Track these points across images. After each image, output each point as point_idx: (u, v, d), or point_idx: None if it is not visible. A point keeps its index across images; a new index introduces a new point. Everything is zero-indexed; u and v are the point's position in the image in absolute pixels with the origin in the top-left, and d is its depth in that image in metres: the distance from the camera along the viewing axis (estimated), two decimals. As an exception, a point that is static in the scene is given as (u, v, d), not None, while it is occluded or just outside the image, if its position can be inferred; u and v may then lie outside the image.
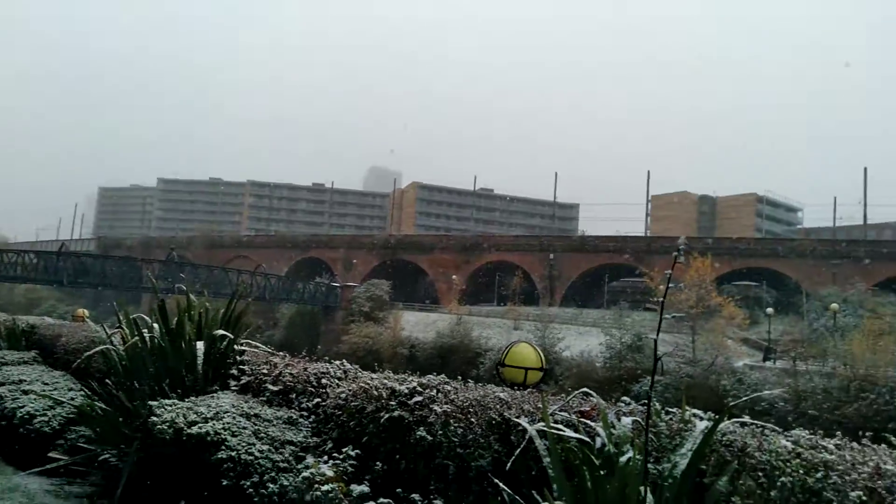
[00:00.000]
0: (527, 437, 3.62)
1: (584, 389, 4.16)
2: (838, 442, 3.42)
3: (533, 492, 3.38)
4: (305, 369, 5.54)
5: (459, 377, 5.09)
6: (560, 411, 3.94)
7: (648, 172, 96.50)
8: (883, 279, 47.85)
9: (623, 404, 4.22)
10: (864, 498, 2.86)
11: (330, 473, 4.00)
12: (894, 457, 3.16)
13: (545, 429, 3.44)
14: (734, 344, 37.10)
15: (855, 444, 3.39)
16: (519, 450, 3.65)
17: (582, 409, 4.00)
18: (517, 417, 3.90)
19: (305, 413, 5.09)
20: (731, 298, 38.30)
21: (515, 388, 5.28)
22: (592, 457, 3.22)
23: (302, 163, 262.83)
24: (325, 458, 4.36)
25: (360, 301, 54.77)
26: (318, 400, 5.09)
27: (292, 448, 4.57)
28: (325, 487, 3.83)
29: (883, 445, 3.35)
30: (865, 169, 72.76)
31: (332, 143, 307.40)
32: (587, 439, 3.47)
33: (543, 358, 6.89)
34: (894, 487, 2.86)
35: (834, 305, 39.59)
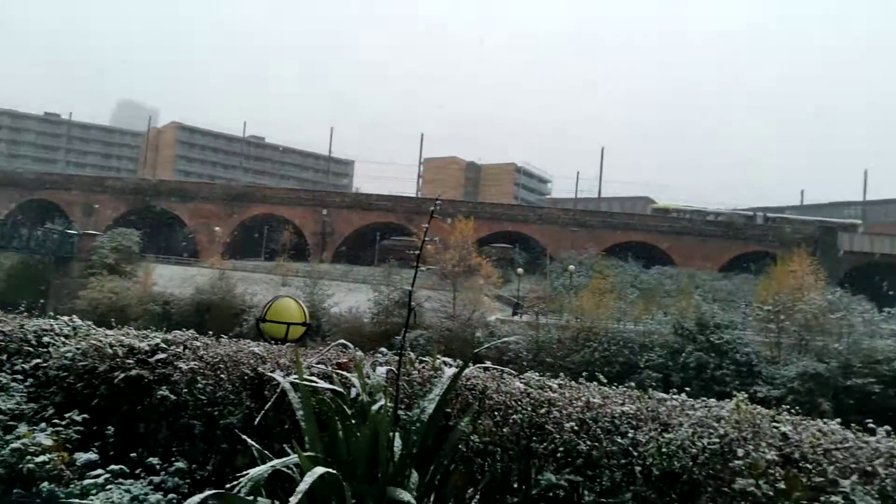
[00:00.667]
0: (279, 390, 3.53)
1: (342, 341, 4.18)
2: (561, 382, 3.91)
3: (285, 445, 3.31)
4: (22, 326, 4.78)
5: (211, 333, 4.79)
6: (318, 364, 3.90)
7: (422, 136, 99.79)
8: (610, 245, 56.17)
9: (380, 355, 4.33)
10: (576, 428, 3.31)
11: (48, 442, 3.50)
12: (601, 392, 3.71)
13: (299, 381, 3.38)
14: (489, 300, 40.80)
15: (574, 383, 3.92)
16: (270, 403, 3.55)
17: (340, 360, 4.01)
18: (272, 372, 3.77)
19: (21, 376, 4.42)
20: (489, 259, 41.97)
21: (275, 342, 5.14)
22: (345, 407, 3.24)
23: (32, 88, 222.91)
24: (44, 425, 3.81)
25: (102, 252, 48.58)
26: (38, 361, 4.45)
27: (1, 417, 3.92)
28: (39, 458, 3.33)
29: (594, 383, 3.92)
30: (602, 149, 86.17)
31: (73, 67, 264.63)
32: (341, 390, 3.48)
33: (307, 313, 6.81)
34: (598, 417, 3.36)
35: (571, 267, 45.60)
